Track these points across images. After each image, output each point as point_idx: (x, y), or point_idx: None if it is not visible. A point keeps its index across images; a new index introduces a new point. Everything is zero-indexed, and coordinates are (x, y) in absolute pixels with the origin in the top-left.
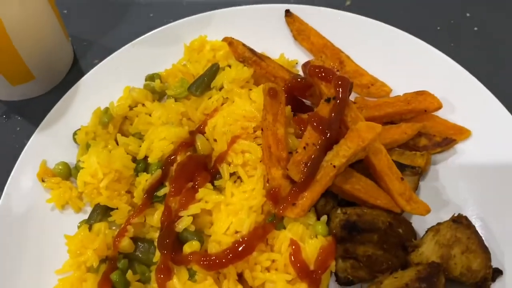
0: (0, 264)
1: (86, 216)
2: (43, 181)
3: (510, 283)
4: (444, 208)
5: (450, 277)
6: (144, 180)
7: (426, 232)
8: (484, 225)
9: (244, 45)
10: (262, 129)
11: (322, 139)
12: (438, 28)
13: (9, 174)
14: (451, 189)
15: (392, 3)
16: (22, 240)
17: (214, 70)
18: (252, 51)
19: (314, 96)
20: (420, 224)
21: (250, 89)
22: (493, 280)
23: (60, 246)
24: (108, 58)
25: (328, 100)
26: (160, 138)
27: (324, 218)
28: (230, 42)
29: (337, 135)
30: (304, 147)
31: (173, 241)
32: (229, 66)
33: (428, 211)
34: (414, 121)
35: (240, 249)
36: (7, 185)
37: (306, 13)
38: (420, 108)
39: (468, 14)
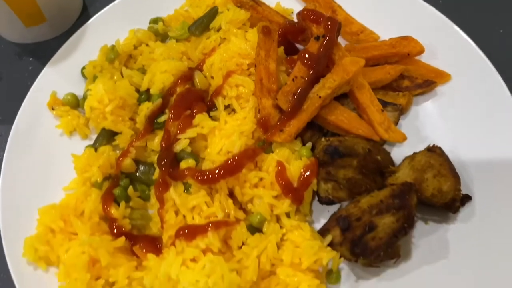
0: (14, 181)
1: (92, 143)
2: (52, 109)
3: (478, 209)
4: (422, 144)
5: (422, 198)
6: (146, 107)
7: (403, 160)
8: (457, 158)
9: None
10: (255, 65)
11: (310, 73)
12: None
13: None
14: (429, 127)
15: None
16: (32, 162)
17: (213, 12)
18: None
19: (307, 41)
20: (399, 157)
21: (246, 31)
22: (463, 204)
23: (67, 168)
24: (116, 2)
25: (317, 38)
26: (161, 71)
27: (309, 144)
28: None
29: (324, 70)
30: (293, 80)
31: (171, 160)
32: (228, 10)
33: (404, 138)
34: (398, 64)
35: (231, 166)
36: (19, 111)
37: None
38: (404, 51)
39: None
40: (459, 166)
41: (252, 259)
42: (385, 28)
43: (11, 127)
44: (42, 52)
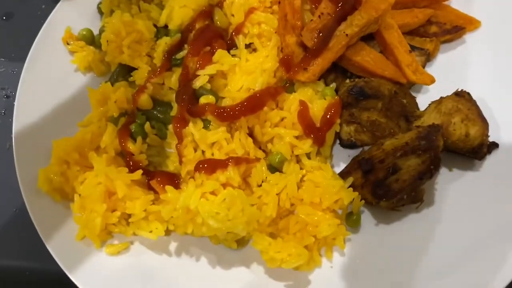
0: (27, 116)
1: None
2: (68, 44)
3: (504, 158)
4: (448, 91)
5: (448, 143)
6: (164, 42)
7: (429, 104)
8: (485, 107)
9: None
10: (279, 2)
11: (337, 10)
12: None
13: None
14: (456, 75)
15: None
16: (46, 96)
17: None
18: None
19: None
20: (424, 104)
21: None
22: (489, 152)
23: (82, 104)
24: None
25: None
26: (180, 6)
27: (333, 84)
28: None
29: (351, 9)
30: (319, 16)
31: (190, 96)
32: None
33: (433, 81)
34: (427, 9)
35: (252, 102)
36: (33, 45)
37: None
38: None
39: None
40: (487, 113)
41: (272, 196)
42: None
43: (23, 64)
44: None
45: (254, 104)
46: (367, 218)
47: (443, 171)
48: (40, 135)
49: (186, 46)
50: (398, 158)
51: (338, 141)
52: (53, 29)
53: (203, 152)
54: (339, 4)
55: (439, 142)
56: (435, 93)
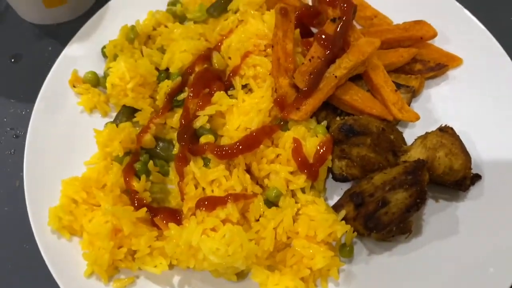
0: (37, 155)
1: (112, 120)
2: (74, 86)
3: (488, 189)
4: (434, 125)
5: (433, 177)
6: (166, 85)
7: (415, 140)
8: (468, 139)
9: None
10: (272, 46)
11: (326, 53)
12: None
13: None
14: (441, 109)
15: None
16: (55, 137)
17: None
18: None
19: (322, 24)
20: (411, 138)
21: (263, 13)
22: (473, 183)
23: (89, 144)
24: None
25: (333, 20)
26: (181, 50)
27: (324, 122)
28: None
29: (340, 51)
30: (310, 59)
31: (191, 135)
32: None
33: (417, 118)
34: (411, 48)
35: (249, 141)
36: (42, 88)
37: None
38: (417, 35)
39: None
40: (469, 146)
41: (269, 230)
42: (398, 13)
43: (31, 105)
44: (61, 33)
45: (251, 142)
46: (359, 248)
47: (430, 202)
48: (50, 174)
49: (186, 88)
50: (387, 192)
51: (331, 175)
52: (61, 71)
53: (203, 189)
54: (328, 48)
55: (424, 177)
56: (421, 127)
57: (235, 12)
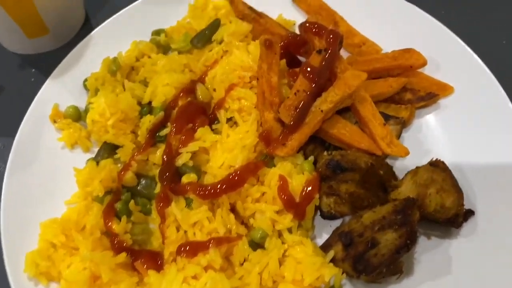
0: (16, 194)
1: (93, 156)
2: (55, 122)
3: (481, 224)
4: (425, 157)
5: (424, 214)
6: (148, 121)
7: (406, 174)
8: (459, 171)
9: (244, 3)
10: (257, 78)
11: (312, 87)
12: None
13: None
14: (432, 140)
15: None
16: (34, 174)
17: (215, 25)
18: (251, 9)
19: (309, 53)
20: (402, 169)
21: (248, 44)
22: (466, 219)
23: (69, 181)
24: (118, 13)
25: (319, 52)
26: (163, 84)
27: (311, 158)
28: (231, 0)
29: (326, 84)
30: (295, 93)
31: (172, 174)
32: (230, 22)
33: (407, 153)
34: (401, 77)
35: (233, 180)
36: (22, 124)
37: None
38: (406, 64)
39: None
40: (462, 179)
41: (253, 275)
42: (387, 40)
43: (13, 139)
44: (44, 63)
45: (235, 182)
46: None
47: (422, 239)
48: (28, 215)
49: (169, 124)
50: (376, 232)
51: (319, 212)
52: (42, 106)
53: (185, 232)
54: (314, 81)
55: (414, 216)
56: (412, 158)
57: (220, 43)
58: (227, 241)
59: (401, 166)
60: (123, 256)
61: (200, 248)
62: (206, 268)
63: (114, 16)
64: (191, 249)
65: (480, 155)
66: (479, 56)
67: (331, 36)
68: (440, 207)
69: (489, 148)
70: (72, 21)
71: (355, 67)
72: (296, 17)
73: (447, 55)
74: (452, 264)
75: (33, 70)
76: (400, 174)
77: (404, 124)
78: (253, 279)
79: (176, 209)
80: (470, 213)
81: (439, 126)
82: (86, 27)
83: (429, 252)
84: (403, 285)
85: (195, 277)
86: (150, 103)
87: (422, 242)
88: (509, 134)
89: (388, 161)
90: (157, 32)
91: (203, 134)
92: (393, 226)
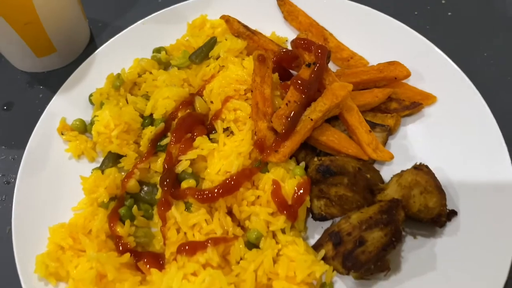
0: (26, 201)
1: (99, 165)
2: (62, 134)
3: (464, 224)
4: (410, 162)
5: (409, 214)
6: (150, 131)
7: (391, 178)
8: (443, 175)
9: (239, 22)
10: (252, 90)
11: (302, 97)
12: (416, 13)
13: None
14: (416, 146)
15: None
16: (43, 183)
17: (212, 42)
18: (246, 27)
19: (300, 67)
20: (389, 175)
21: (243, 59)
22: (449, 219)
23: (76, 188)
24: (122, 33)
25: (308, 65)
26: (164, 97)
27: (302, 164)
28: (227, 19)
29: (315, 95)
30: (287, 104)
31: (173, 180)
32: (226, 39)
33: (391, 157)
34: (386, 88)
35: (229, 185)
36: (31, 137)
37: None
38: (391, 76)
39: (443, 1)
40: (445, 182)
41: (249, 273)
42: (374, 54)
43: (23, 151)
44: (51, 81)
45: (231, 186)
46: (339, 287)
47: (409, 238)
48: (38, 221)
49: (169, 134)
50: (364, 231)
51: (311, 214)
52: (50, 119)
53: (185, 233)
54: (304, 92)
55: (399, 216)
56: (398, 164)
57: (216, 59)
58: (224, 241)
59: (388, 170)
60: (127, 257)
61: (198, 247)
62: (204, 266)
63: (117, 35)
64: (190, 248)
65: (462, 159)
66: (461, 67)
67: (319, 50)
68: (424, 207)
69: (470, 154)
70: (78, 40)
71: (343, 79)
72: (288, 34)
73: (430, 66)
74: (436, 261)
75: (41, 87)
76: (386, 178)
77: (390, 131)
78: (249, 276)
79: (176, 212)
80: (453, 213)
81: (423, 133)
82: (91, 46)
83: (415, 251)
84: (391, 281)
85: (194, 274)
86: (151, 115)
87: (409, 241)
88: (489, 140)
89: (376, 166)
90: (158, 50)
91: (201, 142)
92: (379, 225)
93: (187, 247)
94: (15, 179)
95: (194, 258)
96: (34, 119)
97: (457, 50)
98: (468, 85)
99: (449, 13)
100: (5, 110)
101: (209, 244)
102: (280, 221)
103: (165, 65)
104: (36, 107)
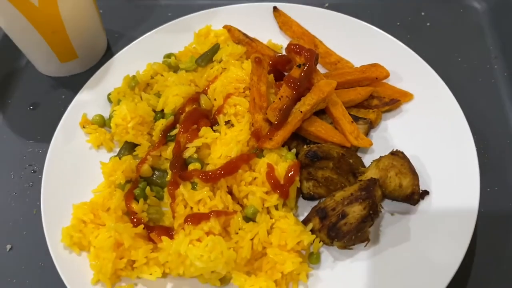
0: (53, 185)
1: (115, 154)
2: (84, 127)
3: (435, 202)
4: (390, 150)
5: (386, 193)
6: (161, 124)
7: (371, 162)
8: (418, 161)
9: (239, 31)
10: (249, 88)
11: (293, 93)
12: (398, 23)
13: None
14: (395, 138)
15: (362, 5)
16: (67, 170)
17: (216, 48)
18: (245, 35)
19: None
20: (370, 162)
21: (243, 62)
22: (422, 198)
23: (95, 175)
24: (136, 41)
25: (299, 66)
26: (173, 95)
27: (293, 150)
28: (229, 29)
29: (305, 91)
30: (280, 98)
31: (181, 164)
32: (228, 45)
33: (370, 144)
34: (368, 87)
35: (229, 167)
36: (57, 129)
37: (290, 9)
38: (372, 76)
39: (422, 13)
40: (420, 168)
41: (246, 241)
42: (358, 58)
43: (47, 145)
44: (72, 84)
45: (231, 168)
46: (326, 256)
47: (387, 215)
48: (63, 200)
49: (178, 125)
50: (346, 206)
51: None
52: (73, 115)
53: (191, 208)
54: (295, 89)
55: (376, 192)
56: (379, 153)
57: (219, 62)
58: (225, 214)
59: (370, 158)
60: (140, 228)
61: (203, 218)
62: (208, 234)
63: (132, 43)
64: (196, 218)
65: (435, 148)
66: (438, 70)
67: (308, 53)
68: (398, 186)
69: (442, 143)
70: (97, 48)
71: (330, 79)
72: (283, 42)
73: (408, 68)
74: (410, 234)
75: (64, 89)
76: (368, 164)
77: (371, 124)
78: (246, 243)
79: (184, 190)
80: (425, 193)
81: (401, 126)
82: (108, 54)
83: (392, 225)
84: (371, 251)
85: (199, 240)
86: (162, 110)
87: (387, 218)
88: (458, 132)
89: (359, 155)
90: (168, 56)
91: (205, 132)
92: (359, 200)
93: (192, 218)
94: (40, 168)
95: (199, 226)
96: (57, 117)
97: (434, 56)
98: (441, 85)
99: (428, 24)
100: (32, 110)
101: (212, 215)
102: (274, 199)
103: (175, 69)
104: (59, 106)
